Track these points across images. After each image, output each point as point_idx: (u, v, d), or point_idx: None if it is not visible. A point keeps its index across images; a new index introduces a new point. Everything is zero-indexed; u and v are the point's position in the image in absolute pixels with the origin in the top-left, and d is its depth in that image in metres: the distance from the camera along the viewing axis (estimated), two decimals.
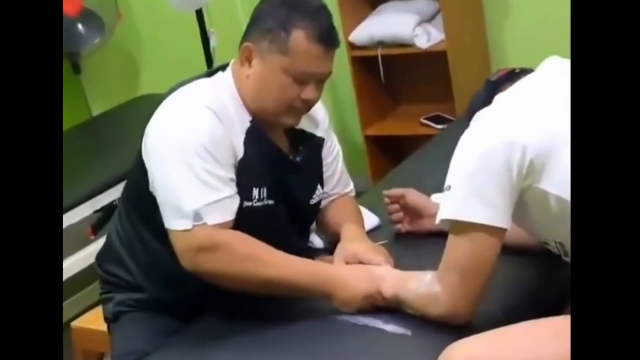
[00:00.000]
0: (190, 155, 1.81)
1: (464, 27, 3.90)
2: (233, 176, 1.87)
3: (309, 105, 1.95)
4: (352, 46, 3.95)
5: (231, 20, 4.12)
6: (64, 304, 3.28)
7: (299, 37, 1.86)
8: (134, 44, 4.86)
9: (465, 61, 3.86)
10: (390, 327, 1.78)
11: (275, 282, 1.82)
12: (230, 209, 1.85)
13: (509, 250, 1.76)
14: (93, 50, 4.59)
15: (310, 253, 2.09)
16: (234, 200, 1.86)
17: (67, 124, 4.00)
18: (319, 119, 2.13)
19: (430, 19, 3.88)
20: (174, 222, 1.83)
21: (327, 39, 1.90)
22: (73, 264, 3.38)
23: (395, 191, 2.21)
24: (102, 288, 2.16)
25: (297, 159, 2.04)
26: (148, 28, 4.79)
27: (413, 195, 2.18)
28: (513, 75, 1.80)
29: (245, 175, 1.89)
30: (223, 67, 2.01)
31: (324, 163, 2.14)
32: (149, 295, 2.05)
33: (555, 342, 1.51)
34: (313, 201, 2.09)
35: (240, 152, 1.90)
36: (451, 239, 1.68)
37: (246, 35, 1.94)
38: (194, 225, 1.80)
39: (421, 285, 1.75)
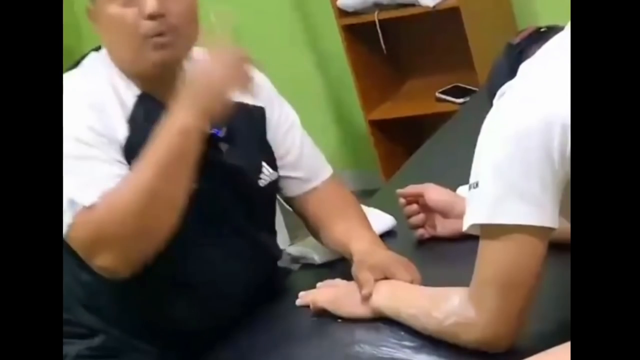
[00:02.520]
0: (66, 149, 1.76)
1: None
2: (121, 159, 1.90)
3: (164, 21, 1.94)
4: (342, 13, 3.97)
5: None
6: None
7: None
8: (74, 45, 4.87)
9: (484, 18, 3.88)
10: (422, 358, 1.79)
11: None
12: (110, 175, 1.85)
13: (559, 249, 1.71)
14: None
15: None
16: (111, 164, 1.87)
17: None
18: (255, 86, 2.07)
19: None
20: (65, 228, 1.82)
21: None
22: None
23: (411, 189, 2.22)
24: None
25: (216, 132, 2.02)
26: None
27: (434, 192, 2.19)
28: (539, 36, 1.77)
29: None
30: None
31: (274, 138, 2.14)
32: (109, 337, 2.05)
33: None
34: (263, 183, 2.10)
35: (123, 131, 1.92)
36: (483, 248, 1.66)
37: None
38: (74, 217, 1.80)
39: (449, 315, 1.73)
